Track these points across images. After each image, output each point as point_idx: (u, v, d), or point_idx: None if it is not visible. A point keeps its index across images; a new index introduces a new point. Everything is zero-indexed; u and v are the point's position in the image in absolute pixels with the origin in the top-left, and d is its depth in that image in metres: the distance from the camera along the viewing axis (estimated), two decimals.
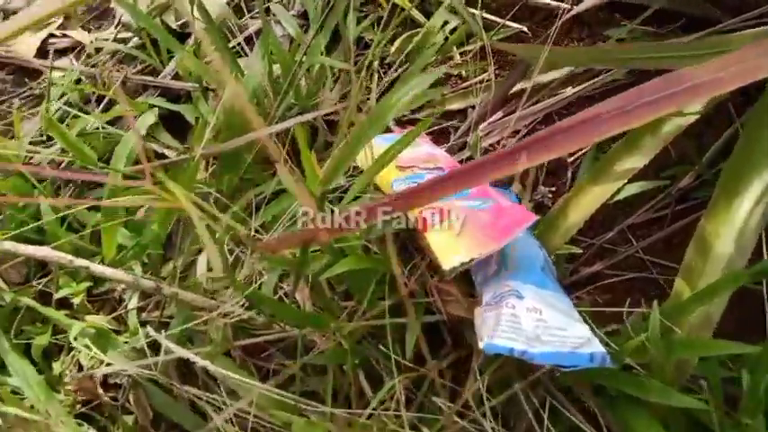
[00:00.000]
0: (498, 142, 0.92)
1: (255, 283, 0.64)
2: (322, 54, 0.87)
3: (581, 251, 0.73)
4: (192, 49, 0.89)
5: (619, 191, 0.73)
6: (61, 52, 0.98)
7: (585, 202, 0.73)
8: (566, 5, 0.79)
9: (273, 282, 0.65)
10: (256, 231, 0.70)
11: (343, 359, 0.64)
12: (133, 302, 0.71)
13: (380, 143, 0.75)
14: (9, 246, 0.63)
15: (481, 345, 0.51)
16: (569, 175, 0.89)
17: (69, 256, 0.61)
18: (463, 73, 0.95)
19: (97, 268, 0.61)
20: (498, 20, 0.94)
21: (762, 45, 0.42)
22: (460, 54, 0.95)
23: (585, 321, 0.58)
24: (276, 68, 0.84)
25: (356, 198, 0.65)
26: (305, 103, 0.83)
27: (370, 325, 0.62)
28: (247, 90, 0.76)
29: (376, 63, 0.94)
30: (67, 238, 0.72)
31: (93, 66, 0.94)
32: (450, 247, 0.55)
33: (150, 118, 0.82)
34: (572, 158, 0.89)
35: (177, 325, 0.65)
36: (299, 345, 0.63)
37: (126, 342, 0.69)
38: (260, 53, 0.79)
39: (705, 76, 0.42)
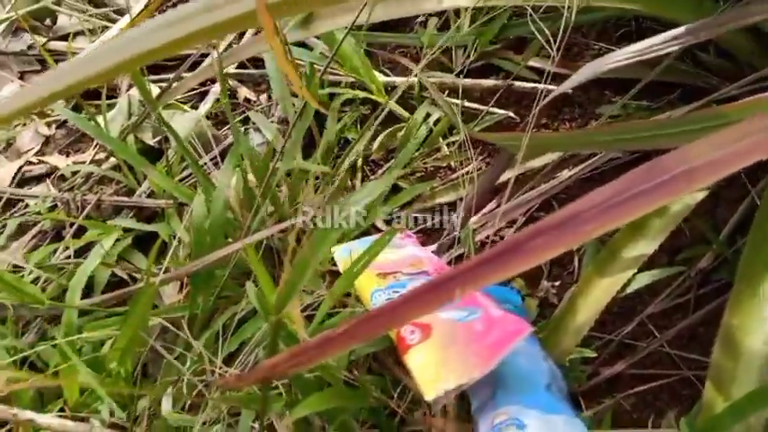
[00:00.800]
0: (496, 233, 0.85)
1: (223, 422, 0.56)
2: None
3: (595, 354, 0.64)
4: (163, 167, 0.85)
5: (629, 282, 0.65)
6: (38, 179, 0.96)
7: (594, 297, 0.65)
8: (546, 86, 0.75)
9: (248, 423, 0.58)
10: (230, 359, 0.63)
11: None
12: None
13: (359, 247, 0.70)
14: None
15: None
16: (576, 263, 0.81)
17: (14, 410, 0.55)
18: (452, 164, 0.90)
19: (44, 420, 0.54)
20: (482, 107, 0.90)
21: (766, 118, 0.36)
22: (447, 145, 0.90)
23: None
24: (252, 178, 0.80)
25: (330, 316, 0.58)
26: (283, 211, 0.78)
27: None
28: (217, 203, 0.72)
29: (359, 161, 0.90)
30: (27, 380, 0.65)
31: (68, 190, 0.91)
32: (433, 373, 0.47)
33: (109, 243, 0.76)
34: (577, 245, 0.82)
35: None
36: None
37: None
38: (231, 163, 0.74)
39: (698, 160, 0.36)
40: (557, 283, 0.78)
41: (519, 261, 0.39)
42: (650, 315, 0.76)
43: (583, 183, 0.87)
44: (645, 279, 0.66)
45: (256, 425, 0.55)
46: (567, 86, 0.59)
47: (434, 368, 0.47)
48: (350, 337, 0.43)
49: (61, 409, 0.66)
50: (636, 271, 0.65)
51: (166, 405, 0.61)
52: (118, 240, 0.82)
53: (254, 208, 0.74)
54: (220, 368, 0.59)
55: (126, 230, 0.85)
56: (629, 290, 0.66)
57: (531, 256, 0.38)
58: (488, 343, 0.49)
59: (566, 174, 0.83)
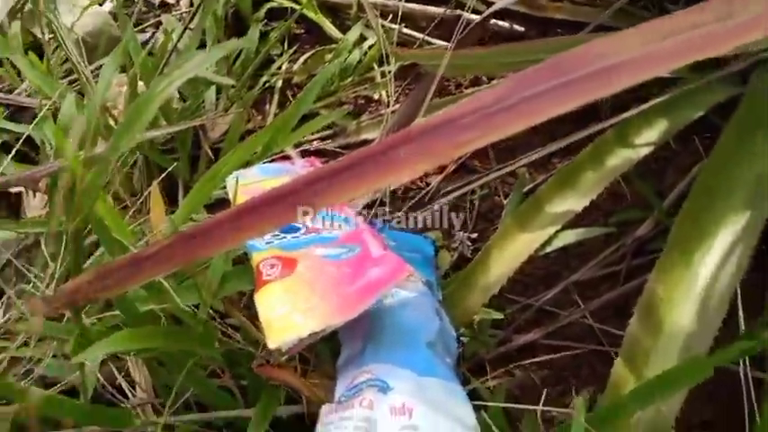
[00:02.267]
0: (421, 179, 0.76)
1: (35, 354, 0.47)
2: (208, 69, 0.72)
3: (502, 316, 0.56)
4: (45, 64, 0.73)
5: (551, 239, 0.56)
6: None
7: (511, 252, 0.57)
8: (471, 15, 0.65)
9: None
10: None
11: None
12: None
13: (255, 175, 0.60)
14: None
15: None
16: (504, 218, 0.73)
17: None
18: (384, 98, 0.80)
19: None
20: (418, 35, 0.79)
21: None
22: (381, 74, 0.80)
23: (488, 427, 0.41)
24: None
25: None
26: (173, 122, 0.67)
27: (193, 421, 0.45)
28: (90, 105, 0.61)
29: (279, 82, 0.79)
30: None
31: None
32: (284, 315, 0.38)
33: None
34: (508, 199, 0.74)
35: None
36: None
37: None
38: (114, 61, 0.63)
39: (622, 54, 0.26)
40: (474, 236, 0.70)
41: (378, 173, 0.29)
42: (576, 283, 0.68)
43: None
44: (569, 237, 0.58)
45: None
46: (490, 11, 0.49)
47: (288, 310, 0.38)
48: (164, 258, 0.33)
49: None
50: (560, 228, 0.57)
51: None
52: None
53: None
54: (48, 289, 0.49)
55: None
56: (549, 248, 0.57)
57: (393, 167, 0.29)
58: (359, 286, 0.40)
59: None
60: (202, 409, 0.56)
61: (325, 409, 0.39)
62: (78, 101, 0.67)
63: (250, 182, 0.58)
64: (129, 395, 0.56)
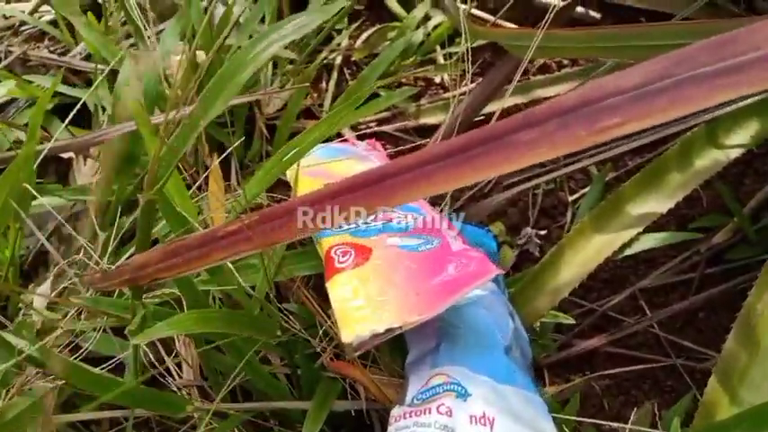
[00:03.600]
0: None
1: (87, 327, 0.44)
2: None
3: (573, 321, 0.53)
4: (103, 23, 0.71)
5: (631, 242, 0.53)
6: None
7: (585, 254, 0.53)
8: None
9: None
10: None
11: None
12: None
13: (317, 157, 0.57)
14: None
15: None
16: (569, 217, 0.69)
17: None
18: (446, 82, 0.76)
19: None
20: (489, 17, 0.75)
21: None
22: (444, 57, 0.76)
23: None
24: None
25: None
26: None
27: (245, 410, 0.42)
28: (149, 72, 0.58)
29: (338, 59, 0.76)
30: None
31: None
32: (359, 308, 0.35)
33: None
34: (575, 196, 0.70)
35: None
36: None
37: None
38: (175, 29, 0.60)
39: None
40: (542, 233, 0.66)
41: (497, 159, 0.26)
42: (644, 289, 0.64)
43: None
44: (649, 242, 0.54)
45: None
46: None
47: (363, 303, 0.35)
48: (242, 239, 0.30)
49: None
50: (641, 231, 0.53)
51: (39, 300, 0.49)
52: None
53: (193, 85, 0.60)
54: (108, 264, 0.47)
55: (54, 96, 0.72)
56: (628, 252, 0.53)
57: (514, 154, 0.26)
58: (438, 282, 0.37)
59: None
60: (248, 395, 0.53)
61: (396, 411, 0.36)
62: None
63: (312, 164, 0.55)
64: (175, 375, 0.54)
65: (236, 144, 0.66)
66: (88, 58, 0.74)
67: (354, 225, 0.42)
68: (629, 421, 0.51)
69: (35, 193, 0.50)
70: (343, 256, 0.38)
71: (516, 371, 0.40)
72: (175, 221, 0.39)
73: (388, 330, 0.35)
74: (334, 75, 0.76)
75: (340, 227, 0.41)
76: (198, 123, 0.37)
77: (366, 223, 0.42)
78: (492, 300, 0.45)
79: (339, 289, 0.36)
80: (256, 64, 0.40)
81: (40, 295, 0.48)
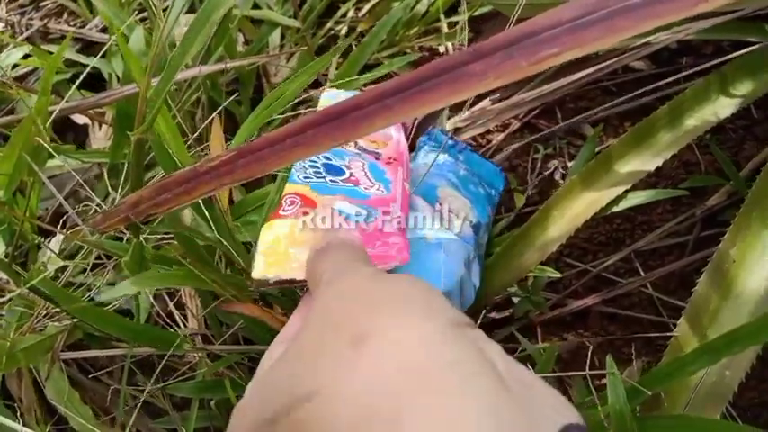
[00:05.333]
0: (483, 135, 0.74)
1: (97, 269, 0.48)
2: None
3: (559, 275, 0.54)
4: None
5: (618, 200, 0.54)
6: None
7: (573, 211, 0.55)
8: None
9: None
10: None
11: (212, 392, 0.47)
12: None
13: (327, 98, 0.58)
14: None
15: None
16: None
17: None
18: (450, 50, 0.78)
19: None
20: None
21: None
22: (448, 26, 0.78)
23: None
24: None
25: None
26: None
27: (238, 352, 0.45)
28: (160, 39, 0.61)
29: (344, 29, 0.78)
30: None
31: (20, 14, 0.81)
32: (276, 252, 0.37)
33: None
34: (573, 162, 0.71)
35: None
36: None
37: None
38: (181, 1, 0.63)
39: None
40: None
41: (451, 87, 0.28)
42: (640, 251, 0.66)
43: (595, 90, 0.75)
44: (637, 198, 0.55)
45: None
46: None
47: (280, 249, 0.37)
48: (224, 172, 0.33)
49: None
50: (628, 188, 0.54)
51: (53, 247, 0.53)
52: (57, 73, 0.72)
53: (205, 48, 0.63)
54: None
55: (69, 66, 0.75)
56: (616, 208, 0.55)
57: (467, 82, 0.28)
58: None
59: (576, 76, 0.70)
60: (249, 343, 0.56)
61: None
62: (147, 37, 0.67)
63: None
64: (181, 325, 0.57)
65: (237, 109, 0.68)
66: (104, 30, 0.78)
67: (322, 178, 0.43)
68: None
69: (51, 151, 0.53)
70: (289, 205, 0.40)
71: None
72: (168, 162, 0.42)
73: (291, 281, 0.36)
74: (340, 45, 0.78)
75: (308, 178, 0.42)
76: (180, 62, 0.40)
77: (333, 181, 0.43)
78: (457, 247, 0.48)
79: (268, 232, 0.38)
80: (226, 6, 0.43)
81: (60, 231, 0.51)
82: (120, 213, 0.38)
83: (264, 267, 0.36)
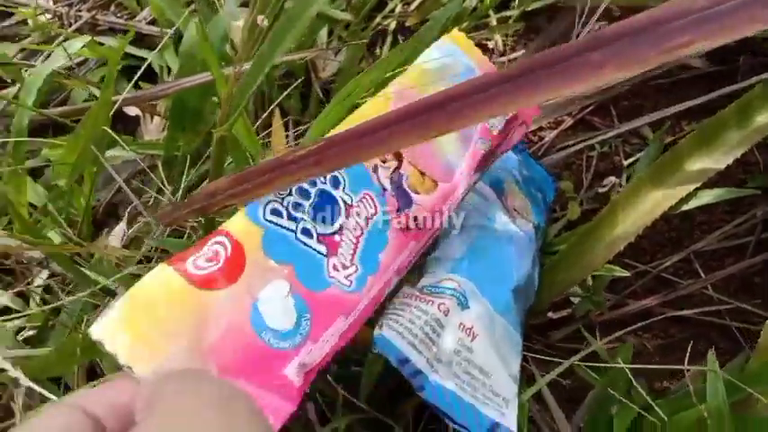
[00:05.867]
0: (535, 132, 0.73)
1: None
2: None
3: (627, 274, 0.53)
4: None
5: (688, 198, 0.52)
6: None
7: (642, 209, 0.53)
8: None
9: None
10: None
11: None
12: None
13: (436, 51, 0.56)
14: None
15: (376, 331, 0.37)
16: (624, 179, 0.69)
17: None
18: (500, 46, 0.77)
19: None
20: None
21: None
22: (498, 21, 0.77)
23: (521, 384, 0.41)
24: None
25: None
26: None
27: None
28: (214, 32, 0.61)
29: (393, 24, 0.77)
30: None
31: (68, 6, 0.80)
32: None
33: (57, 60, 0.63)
34: (630, 160, 0.69)
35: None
36: None
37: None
38: None
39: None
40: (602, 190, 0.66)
41: (566, 78, 0.27)
42: (700, 252, 0.64)
43: (652, 88, 0.73)
44: (707, 197, 0.54)
45: None
46: None
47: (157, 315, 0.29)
48: (312, 162, 0.32)
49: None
50: (698, 186, 0.53)
51: (114, 239, 0.52)
52: (105, 65, 0.72)
53: (254, 46, 0.62)
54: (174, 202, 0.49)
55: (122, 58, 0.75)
56: (684, 207, 0.53)
57: (584, 73, 0.27)
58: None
59: (633, 73, 0.68)
60: None
61: (407, 289, 0.41)
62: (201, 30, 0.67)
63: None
64: None
65: (288, 104, 0.68)
66: (153, 23, 0.77)
67: (290, 225, 0.34)
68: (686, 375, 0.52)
69: (120, 142, 0.53)
70: (208, 259, 0.31)
71: (513, 309, 0.43)
72: (241, 157, 0.41)
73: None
74: (389, 40, 0.77)
75: (276, 214, 0.34)
76: (266, 65, 0.39)
77: (306, 234, 0.34)
78: (525, 243, 0.47)
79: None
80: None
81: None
82: (194, 204, 0.37)
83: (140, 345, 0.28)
